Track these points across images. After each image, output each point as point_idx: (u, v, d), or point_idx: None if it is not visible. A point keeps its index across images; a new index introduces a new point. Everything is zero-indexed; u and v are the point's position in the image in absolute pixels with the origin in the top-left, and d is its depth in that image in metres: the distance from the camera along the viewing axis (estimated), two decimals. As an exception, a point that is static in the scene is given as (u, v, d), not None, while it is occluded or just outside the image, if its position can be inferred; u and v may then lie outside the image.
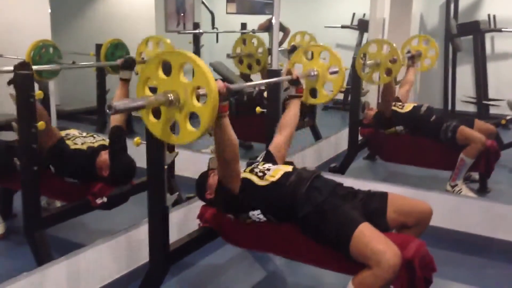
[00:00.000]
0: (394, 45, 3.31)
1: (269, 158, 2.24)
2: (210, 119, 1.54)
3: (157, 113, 1.64)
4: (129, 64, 2.72)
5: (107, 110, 1.42)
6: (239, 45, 4.44)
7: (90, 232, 2.81)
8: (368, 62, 3.31)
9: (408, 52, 4.07)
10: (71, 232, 2.72)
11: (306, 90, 2.61)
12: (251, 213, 1.99)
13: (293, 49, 4.42)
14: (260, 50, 4.38)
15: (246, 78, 4.40)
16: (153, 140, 1.75)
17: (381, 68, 3.34)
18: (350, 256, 1.79)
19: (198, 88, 1.56)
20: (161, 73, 1.60)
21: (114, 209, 2.56)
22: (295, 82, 2.44)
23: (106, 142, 2.62)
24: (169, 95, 1.56)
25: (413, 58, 4.03)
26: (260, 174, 2.03)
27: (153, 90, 1.63)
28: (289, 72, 2.46)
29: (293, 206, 1.93)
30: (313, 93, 2.67)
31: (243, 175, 2.04)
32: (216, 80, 1.60)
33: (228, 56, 4.39)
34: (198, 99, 1.57)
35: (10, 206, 2.94)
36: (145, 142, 1.90)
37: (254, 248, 2.34)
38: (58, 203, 2.88)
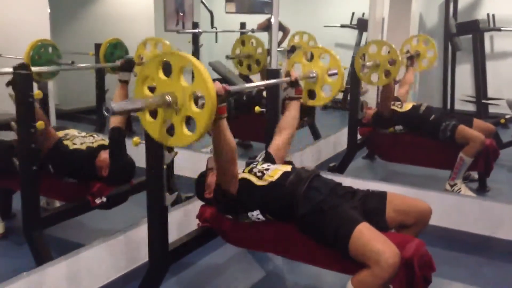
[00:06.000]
0: (394, 46, 3.30)
1: (269, 159, 2.24)
2: (206, 125, 1.53)
3: (153, 112, 1.62)
4: (128, 66, 2.71)
5: (105, 112, 1.41)
6: (237, 46, 4.43)
7: (89, 232, 2.81)
8: (367, 63, 3.30)
9: (407, 52, 4.07)
10: (71, 232, 2.72)
11: (304, 91, 2.60)
12: (250, 213, 1.99)
13: (292, 50, 4.42)
14: (259, 50, 4.37)
15: (245, 78, 4.40)
16: (152, 140, 1.75)
17: (380, 69, 3.33)
18: (349, 255, 1.79)
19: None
20: (161, 74, 1.58)
21: (113, 209, 2.56)
22: (293, 84, 2.44)
23: (106, 142, 2.62)
24: (167, 97, 1.54)
25: (412, 59, 4.03)
26: (259, 174, 2.03)
27: (150, 88, 1.61)
28: (287, 74, 2.45)
29: (292, 205, 1.93)
30: (311, 94, 2.67)
31: (242, 175, 2.04)
32: (214, 81, 1.57)
33: (228, 57, 4.39)
34: (196, 101, 1.56)
35: (10, 206, 2.94)
36: (144, 142, 1.90)
37: (253, 247, 2.34)
38: (57, 203, 2.88)
